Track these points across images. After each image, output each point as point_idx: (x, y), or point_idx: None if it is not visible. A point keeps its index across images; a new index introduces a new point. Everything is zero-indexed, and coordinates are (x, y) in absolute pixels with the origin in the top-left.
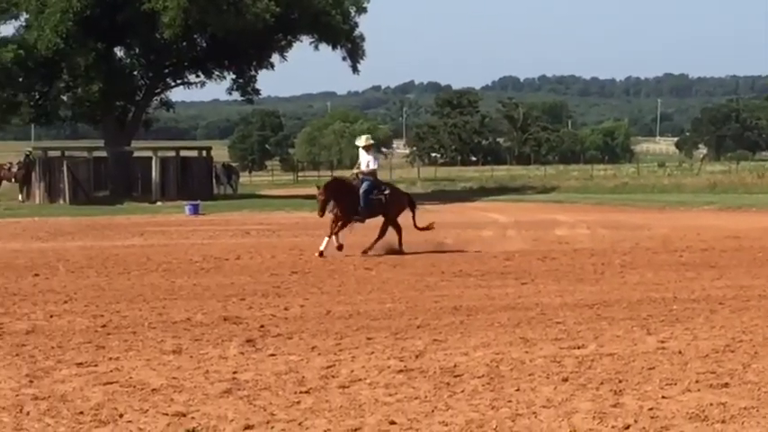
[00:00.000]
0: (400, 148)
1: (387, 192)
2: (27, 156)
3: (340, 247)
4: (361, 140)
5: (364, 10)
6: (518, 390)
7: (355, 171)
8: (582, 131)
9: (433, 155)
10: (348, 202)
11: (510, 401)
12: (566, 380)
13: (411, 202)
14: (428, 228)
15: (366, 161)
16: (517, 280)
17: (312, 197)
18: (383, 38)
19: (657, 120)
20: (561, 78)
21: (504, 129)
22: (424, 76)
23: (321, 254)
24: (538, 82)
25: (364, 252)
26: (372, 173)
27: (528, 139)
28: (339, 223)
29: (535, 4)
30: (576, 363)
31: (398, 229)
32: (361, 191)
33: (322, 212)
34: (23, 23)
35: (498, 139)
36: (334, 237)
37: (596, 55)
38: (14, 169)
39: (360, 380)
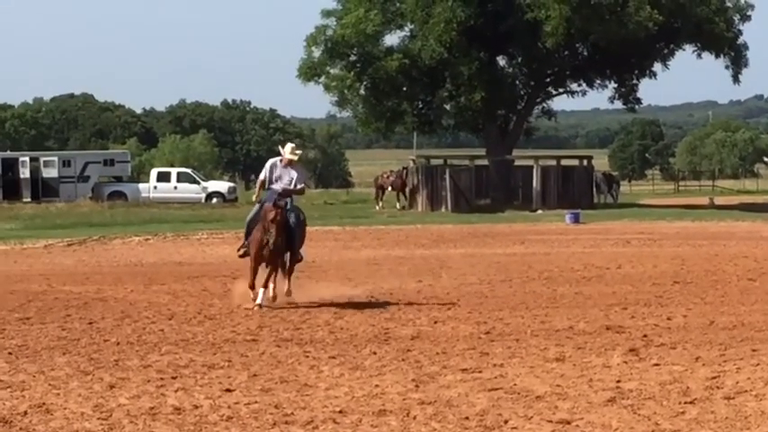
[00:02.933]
0: None
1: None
2: (404, 168)
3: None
4: (287, 150)
5: (748, 18)
6: None
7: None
8: None
9: None
10: None
11: None
12: None
13: None
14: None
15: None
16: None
17: (693, 207)
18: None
19: None
20: None
21: None
22: None
23: None
24: None
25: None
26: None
27: None
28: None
29: None
30: None
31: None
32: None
33: None
34: (408, 33)
35: None
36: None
37: None
38: (392, 178)
39: (745, 391)
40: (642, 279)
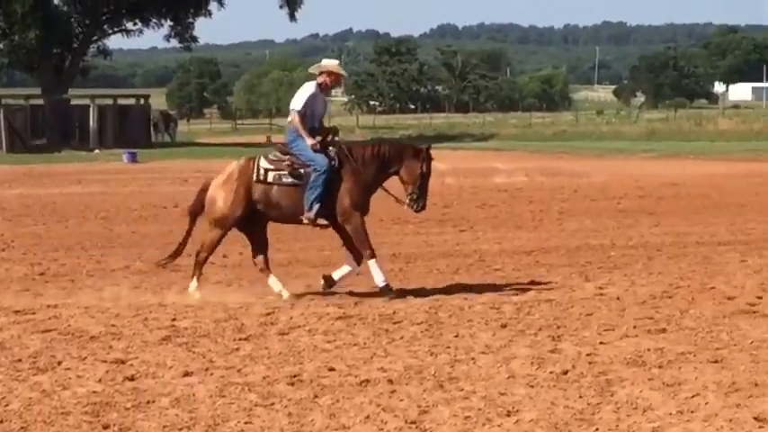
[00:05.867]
0: (339, 95)
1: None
2: None
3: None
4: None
5: None
6: (457, 336)
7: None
8: (520, 79)
9: (372, 103)
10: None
11: (448, 348)
12: (504, 326)
13: None
14: None
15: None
16: (455, 227)
17: (251, 145)
18: None
19: (596, 67)
20: (500, 26)
21: (442, 77)
22: (362, 24)
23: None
24: (476, 30)
25: None
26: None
27: (466, 87)
28: None
29: None
30: (515, 309)
31: None
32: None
33: None
34: None
35: (437, 87)
36: None
37: (535, 3)
38: None
39: (299, 327)
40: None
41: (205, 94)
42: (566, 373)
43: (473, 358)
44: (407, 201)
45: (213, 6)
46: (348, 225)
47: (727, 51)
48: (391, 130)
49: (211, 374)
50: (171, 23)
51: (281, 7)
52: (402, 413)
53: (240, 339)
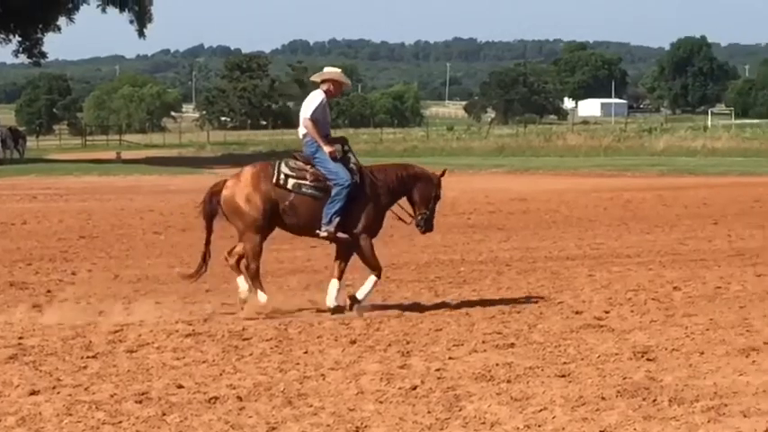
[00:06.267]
0: (190, 111)
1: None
2: None
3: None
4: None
5: None
6: (306, 352)
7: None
8: (371, 95)
9: (223, 119)
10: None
11: (298, 364)
12: (354, 342)
13: None
14: None
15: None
16: (307, 243)
17: (101, 161)
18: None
19: (447, 83)
20: (351, 42)
21: (294, 93)
22: (213, 40)
23: None
24: (328, 45)
25: None
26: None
27: None
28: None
29: None
30: (365, 325)
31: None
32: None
33: None
34: None
35: (288, 103)
36: None
37: (386, 19)
38: None
39: (147, 344)
40: (48, 234)
41: (54, 110)
42: (414, 388)
43: (322, 374)
44: (417, 220)
45: (62, 22)
46: (359, 242)
47: (577, 67)
48: (242, 146)
49: (58, 393)
50: (19, 39)
51: (130, 23)
52: (251, 430)
53: (88, 357)
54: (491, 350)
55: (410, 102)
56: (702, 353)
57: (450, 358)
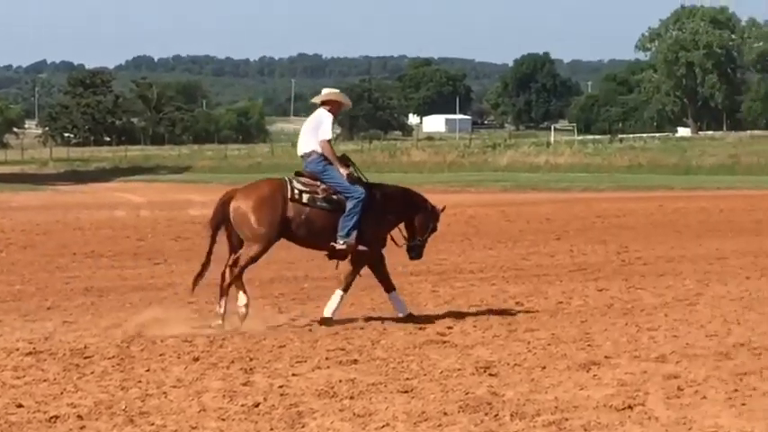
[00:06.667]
0: (32, 128)
1: None
2: None
3: None
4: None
5: None
6: (148, 370)
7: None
8: (216, 111)
9: (66, 135)
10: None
11: (140, 382)
12: (197, 359)
13: None
14: None
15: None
16: (150, 260)
17: None
18: (14, 17)
19: (292, 99)
20: (195, 58)
21: (137, 109)
22: (56, 56)
23: None
24: (172, 62)
25: None
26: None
27: (162, 119)
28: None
29: None
30: (208, 342)
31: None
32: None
33: None
34: None
35: (132, 119)
36: None
37: (230, 35)
38: None
39: None
40: None
41: None
42: (257, 405)
43: (164, 392)
44: (410, 244)
45: None
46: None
47: (421, 83)
48: (86, 162)
49: None
50: None
51: None
52: None
53: None
54: (334, 366)
55: (255, 118)
56: (544, 367)
57: (293, 375)
